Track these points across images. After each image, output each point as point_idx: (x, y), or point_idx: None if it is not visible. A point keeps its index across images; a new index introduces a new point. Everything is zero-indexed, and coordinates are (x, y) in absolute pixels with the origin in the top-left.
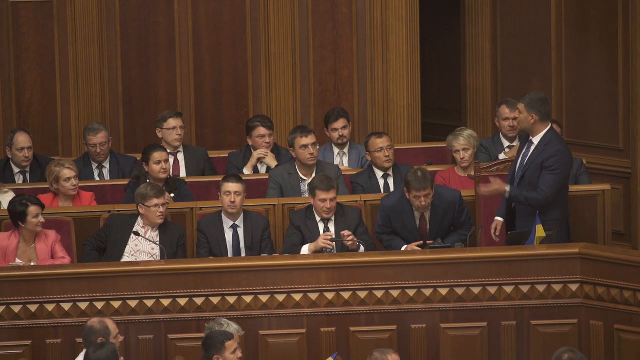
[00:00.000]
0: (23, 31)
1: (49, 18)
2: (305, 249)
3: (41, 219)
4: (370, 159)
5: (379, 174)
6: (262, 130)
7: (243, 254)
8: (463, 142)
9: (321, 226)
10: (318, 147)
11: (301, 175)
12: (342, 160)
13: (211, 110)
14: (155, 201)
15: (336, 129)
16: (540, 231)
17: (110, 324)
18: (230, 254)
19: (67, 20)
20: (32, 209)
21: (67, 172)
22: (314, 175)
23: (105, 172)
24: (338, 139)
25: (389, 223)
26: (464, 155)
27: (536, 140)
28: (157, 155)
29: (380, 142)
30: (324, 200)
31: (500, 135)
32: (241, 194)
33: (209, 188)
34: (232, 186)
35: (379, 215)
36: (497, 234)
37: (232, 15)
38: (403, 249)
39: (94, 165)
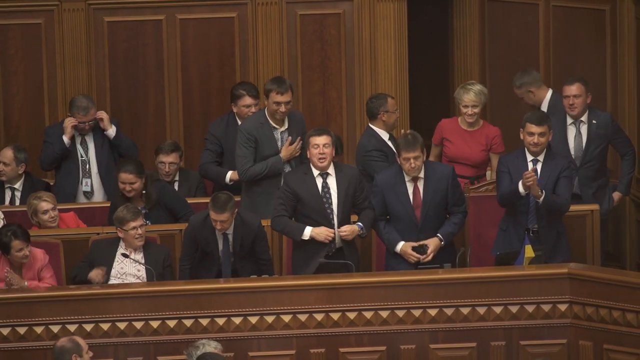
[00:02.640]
0: (11, 53)
1: (37, 40)
2: (307, 232)
3: (25, 252)
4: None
5: (315, 172)
6: (248, 100)
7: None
8: (473, 98)
9: (319, 181)
10: (290, 105)
11: (273, 124)
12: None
13: (199, 132)
14: (132, 224)
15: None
16: (529, 251)
17: (80, 340)
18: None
19: (55, 42)
20: (15, 244)
21: (44, 205)
22: (285, 124)
23: (88, 139)
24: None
25: (383, 203)
26: (473, 111)
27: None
28: (123, 176)
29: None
30: (317, 146)
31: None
32: (227, 221)
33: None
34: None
35: (373, 197)
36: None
37: (220, 37)
38: (398, 247)
39: (76, 133)
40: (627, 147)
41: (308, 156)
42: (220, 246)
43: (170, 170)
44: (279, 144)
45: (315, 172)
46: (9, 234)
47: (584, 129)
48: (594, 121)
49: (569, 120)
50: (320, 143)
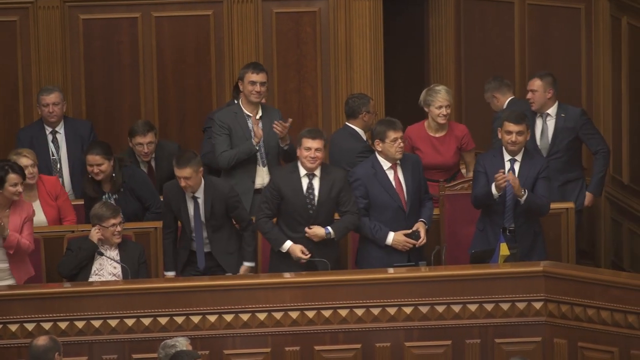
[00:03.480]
0: None
1: (12, 37)
2: (286, 246)
3: (19, 188)
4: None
5: (302, 172)
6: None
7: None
8: (447, 97)
9: (305, 181)
10: (265, 88)
11: (246, 112)
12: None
13: (175, 130)
14: (112, 221)
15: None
16: (504, 250)
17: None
18: (192, 224)
19: (30, 40)
20: (12, 177)
21: (24, 161)
22: (259, 113)
23: (60, 137)
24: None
25: (367, 196)
26: (447, 111)
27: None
28: (90, 158)
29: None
30: (309, 149)
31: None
32: (190, 178)
33: None
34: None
35: (355, 192)
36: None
37: (196, 34)
38: (390, 239)
39: (48, 130)
40: (599, 144)
41: (298, 154)
42: (191, 211)
43: (149, 151)
44: (252, 132)
45: (302, 172)
46: (6, 167)
47: (550, 122)
48: (562, 114)
49: (537, 114)
50: (313, 147)
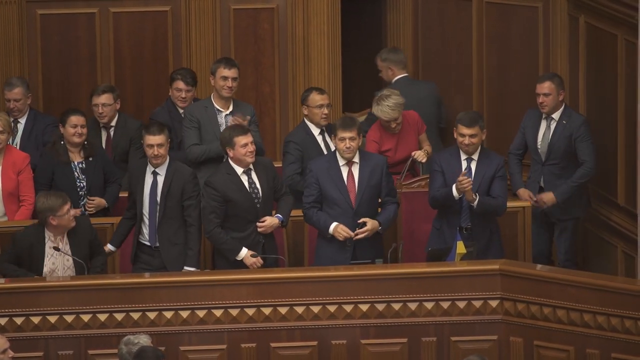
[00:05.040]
0: None
1: None
2: (242, 254)
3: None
4: (307, 113)
5: (316, 130)
6: (180, 84)
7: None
8: (392, 114)
9: (244, 178)
10: (237, 83)
11: (217, 107)
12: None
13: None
14: (65, 207)
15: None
16: (460, 247)
17: (1, 338)
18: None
19: None
20: None
21: None
22: (230, 108)
23: (20, 127)
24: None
25: (318, 189)
26: (395, 124)
27: None
28: (74, 119)
29: (321, 99)
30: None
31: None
32: (163, 145)
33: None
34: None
35: (305, 185)
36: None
37: (154, 30)
38: (331, 228)
39: (11, 119)
40: (585, 157)
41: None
42: (148, 188)
43: (104, 112)
44: (222, 128)
45: (239, 170)
46: None
47: (553, 126)
48: (564, 121)
49: (543, 115)
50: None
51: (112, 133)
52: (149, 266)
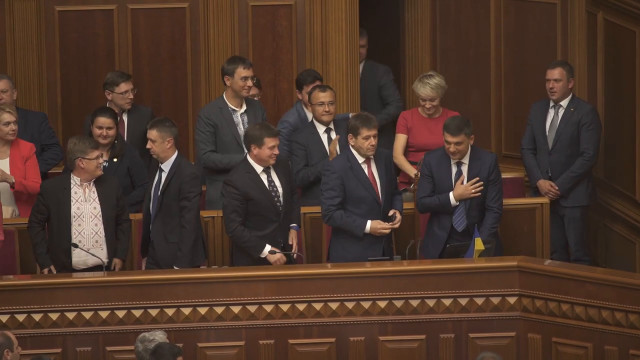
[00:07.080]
0: None
1: None
2: (266, 251)
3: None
4: (311, 111)
5: (321, 128)
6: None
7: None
8: (430, 93)
9: (264, 177)
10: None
11: (232, 107)
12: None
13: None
14: (96, 152)
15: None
16: (479, 244)
17: (11, 335)
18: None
19: (6, 31)
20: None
21: (7, 117)
22: (244, 106)
23: None
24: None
25: (343, 189)
26: (430, 104)
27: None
28: (101, 120)
29: (322, 97)
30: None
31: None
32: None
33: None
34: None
35: (328, 188)
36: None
37: (171, 27)
38: (368, 225)
39: None
40: (587, 145)
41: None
42: (154, 183)
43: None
44: (239, 127)
45: (259, 169)
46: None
47: (561, 113)
48: (572, 109)
49: (551, 103)
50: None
51: (125, 120)
52: (152, 260)
